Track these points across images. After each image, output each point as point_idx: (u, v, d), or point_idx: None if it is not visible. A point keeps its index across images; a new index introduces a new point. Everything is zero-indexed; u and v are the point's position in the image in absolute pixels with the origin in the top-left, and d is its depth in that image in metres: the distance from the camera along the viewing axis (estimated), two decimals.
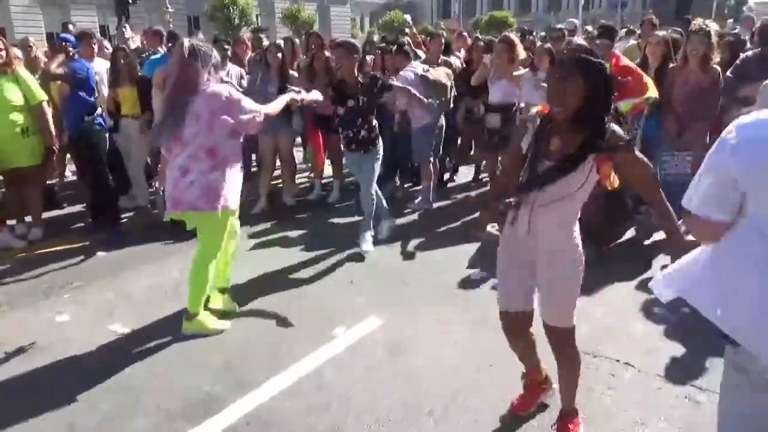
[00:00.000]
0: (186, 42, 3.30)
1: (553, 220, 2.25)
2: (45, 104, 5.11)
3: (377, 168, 4.79)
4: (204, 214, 3.32)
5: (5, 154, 4.93)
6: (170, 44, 6.40)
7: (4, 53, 4.82)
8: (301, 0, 42.94)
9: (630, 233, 5.12)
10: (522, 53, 5.95)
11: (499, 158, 6.16)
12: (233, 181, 3.39)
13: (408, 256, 4.87)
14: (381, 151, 4.79)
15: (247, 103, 3.37)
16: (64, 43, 5.22)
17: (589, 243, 4.37)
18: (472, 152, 7.35)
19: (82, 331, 3.64)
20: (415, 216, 5.87)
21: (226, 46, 6.27)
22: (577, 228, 2.32)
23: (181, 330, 3.51)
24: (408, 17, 10.13)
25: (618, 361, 3.16)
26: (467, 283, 4.26)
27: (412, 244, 5.07)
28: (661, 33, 5.43)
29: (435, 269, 4.52)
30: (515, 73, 5.76)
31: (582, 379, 2.55)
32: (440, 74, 5.77)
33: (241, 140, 3.51)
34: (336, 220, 5.80)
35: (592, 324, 3.51)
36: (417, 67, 5.73)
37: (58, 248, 5.08)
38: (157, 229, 5.25)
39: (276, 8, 41.20)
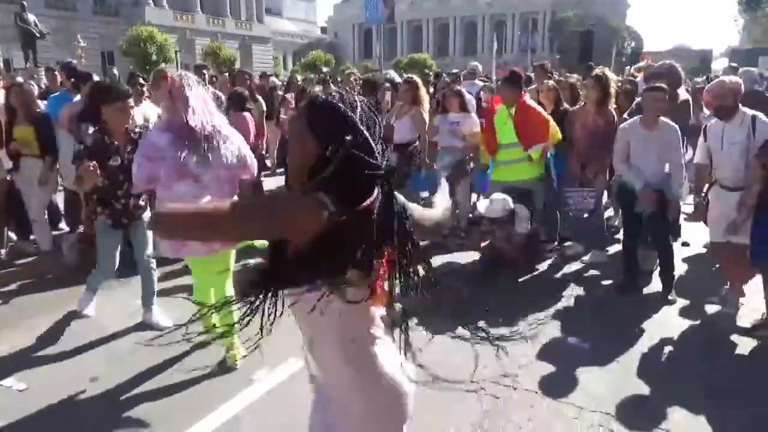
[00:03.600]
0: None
1: None
2: None
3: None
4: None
5: None
6: (73, 81, 6.11)
7: None
8: (222, 37, 42.81)
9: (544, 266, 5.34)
10: (425, 94, 6.24)
11: None
12: None
13: None
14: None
15: None
16: None
17: (506, 278, 4.64)
18: None
19: None
20: None
21: (143, 82, 6.07)
22: None
23: None
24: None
25: (537, 392, 3.23)
26: None
27: None
28: (550, 81, 5.98)
29: None
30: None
31: (506, 413, 2.58)
32: None
33: None
34: None
35: (514, 356, 3.59)
36: None
37: None
38: (58, 275, 5.02)
39: (196, 45, 40.74)
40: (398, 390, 1.60)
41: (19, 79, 6.41)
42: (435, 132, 6.02)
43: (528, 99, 5.24)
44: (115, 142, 3.74)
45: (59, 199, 6.29)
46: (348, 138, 1.30)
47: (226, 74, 8.09)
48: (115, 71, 6.92)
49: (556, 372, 3.47)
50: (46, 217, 5.59)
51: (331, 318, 1.41)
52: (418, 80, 6.33)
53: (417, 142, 6.10)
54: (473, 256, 5.41)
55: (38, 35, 17.47)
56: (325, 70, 8.07)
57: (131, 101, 3.83)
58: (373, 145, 1.36)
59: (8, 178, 5.38)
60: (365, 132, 1.35)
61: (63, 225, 6.20)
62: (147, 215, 4.01)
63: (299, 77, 8.23)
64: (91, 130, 3.88)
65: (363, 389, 1.54)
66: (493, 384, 3.25)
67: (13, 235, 5.91)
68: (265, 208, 1.34)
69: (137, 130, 3.87)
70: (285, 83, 8.53)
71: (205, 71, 7.43)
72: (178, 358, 3.59)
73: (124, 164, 3.67)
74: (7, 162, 5.30)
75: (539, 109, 5.19)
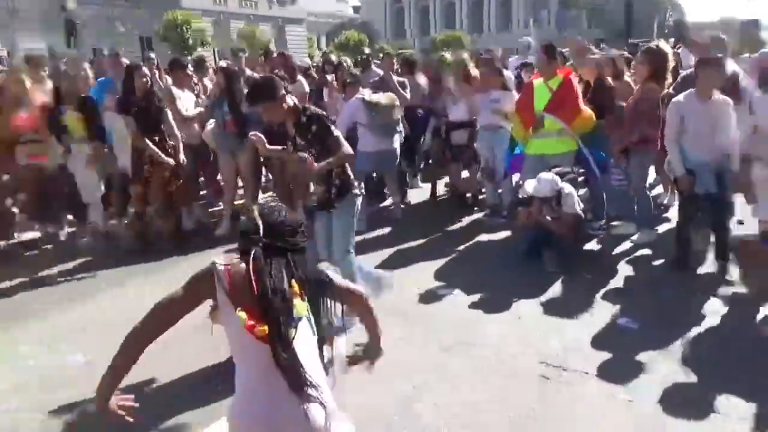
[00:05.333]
0: None
1: None
2: None
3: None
4: None
5: None
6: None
7: None
8: (255, 20, 42.93)
9: (593, 246, 5.25)
10: (476, 72, 6.15)
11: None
12: None
13: None
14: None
15: None
16: None
17: (552, 259, 4.59)
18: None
19: (38, 362, 3.49)
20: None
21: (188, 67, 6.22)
22: None
23: None
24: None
25: (587, 373, 3.20)
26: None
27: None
28: (593, 55, 5.80)
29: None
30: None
31: (551, 394, 2.56)
32: (387, 98, 5.82)
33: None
34: None
35: (561, 337, 3.58)
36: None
37: (12, 280, 4.87)
38: (113, 255, 5.25)
39: (231, 28, 40.98)
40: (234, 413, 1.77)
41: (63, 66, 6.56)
42: (476, 110, 5.96)
43: (573, 79, 5.13)
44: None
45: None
46: None
47: (261, 56, 8.09)
48: (153, 55, 7.00)
49: (606, 353, 3.43)
50: (100, 199, 5.76)
51: None
52: (468, 59, 6.30)
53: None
54: (514, 237, 5.38)
55: (79, 22, 17.87)
56: (367, 51, 7.98)
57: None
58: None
59: (62, 162, 5.54)
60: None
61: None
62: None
63: (333, 57, 8.21)
64: None
65: None
66: (544, 366, 3.26)
67: (70, 217, 6.12)
68: None
69: None
70: (320, 64, 8.50)
71: (242, 54, 7.48)
72: None
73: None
74: (59, 147, 5.46)
75: (577, 95, 5.07)
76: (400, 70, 7.16)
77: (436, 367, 3.32)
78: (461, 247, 5.40)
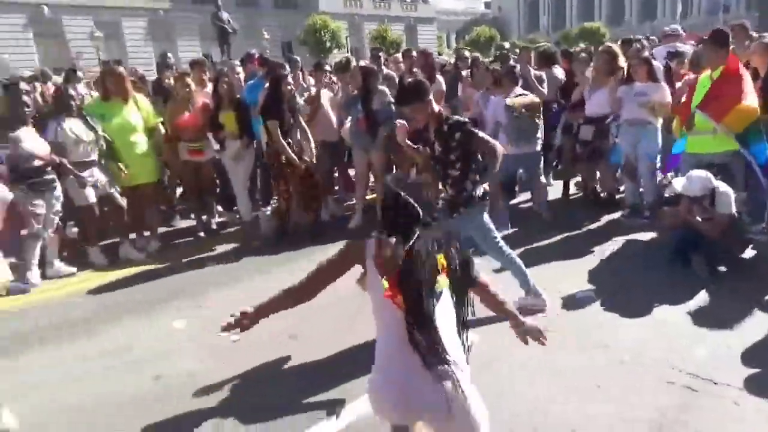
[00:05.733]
0: None
1: None
2: (160, 126, 5.57)
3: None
4: None
5: (128, 173, 5.42)
6: (264, 67, 6.75)
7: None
8: (388, 21, 43.92)
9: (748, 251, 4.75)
10: (623, 64, 5.77)
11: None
12: None
13: None
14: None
15: None
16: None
17: (701, 263, 4.21)
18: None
19: (196, 339, 3.87)
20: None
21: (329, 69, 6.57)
22: None
23: None
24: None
25: (740, 389, 2.92)
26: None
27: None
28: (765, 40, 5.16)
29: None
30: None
31: (700, 406, 2.37)
32: (524, 102, 5.65)
33: None
34: None
35: (710, 347, 3.29)
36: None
37: (170, 262, 5.46)
38: (257, 243, 5.70)
39: (364, 29, 42.35)
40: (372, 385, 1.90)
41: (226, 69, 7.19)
42: (619, 104, 5.60)
43: (741, 68, 4.62)
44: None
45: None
46: None
47: (398, 54, 8.26)
48: (297, 58, 7.45)
49: (761, 368, 3.09)
50: (246, 191, 6.28)
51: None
52: (617, 49, 5.94)
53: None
54: (659, 239, 5.01)
55: (231, 31, 19.45)
56: (507, 45, 7.87)
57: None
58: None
59: (216, 157, 6.13)
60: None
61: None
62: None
63: (467, 53, 8.19)
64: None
65: None
66: (691, 377, 3.03)
67: (219, 208, 6.75)
68: None
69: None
70: (453, 62, 8.51)
71: (381, 54, 7.71)
72: None
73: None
74: (215, 143, 6.04)
75: (744, 84, 4.52)
76: (537, 65, 6.98)
77: (574, 369, 3.21)
78: (598, 247, 5.14)
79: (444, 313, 1.81)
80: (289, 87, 5.48)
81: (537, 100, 5.76)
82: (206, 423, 2.92)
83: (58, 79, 6.45)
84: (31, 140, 4.78)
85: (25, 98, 4.91)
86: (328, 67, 6.87)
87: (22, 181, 4.78)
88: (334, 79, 6.81)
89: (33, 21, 30.98)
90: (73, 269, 5.27)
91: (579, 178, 6.77)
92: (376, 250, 1.87)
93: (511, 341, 2.34)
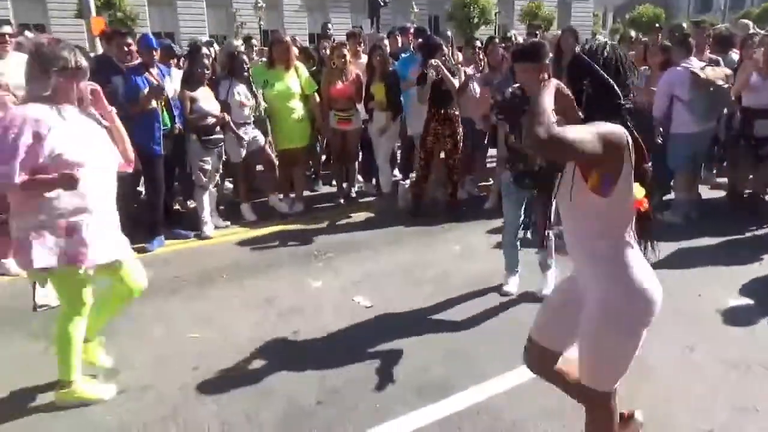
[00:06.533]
0: None
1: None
2: (316, 94, 5.86)
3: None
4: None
5: (282, 136, 5.78)
6: (419, 40, 6.78)
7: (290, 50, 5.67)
8: None
9: None
10: None
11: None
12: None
13: None
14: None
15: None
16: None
17: None
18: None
19: (332, 299, 4.09)
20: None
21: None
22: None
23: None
24: None
25: None
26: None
27: None
28: None
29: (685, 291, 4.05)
30: None
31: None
32: (717, 74, 5.11)
33: None
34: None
35: None
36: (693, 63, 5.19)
37: (315, 224, 5.77)
38: (392, 214, 5.85)
39: (516, 5, 40.86)
40: (647, 294, 1.85)
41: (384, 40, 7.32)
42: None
43: None
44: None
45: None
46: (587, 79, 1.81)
47: (558, 32, 7.88)
48: (449, 33, 7.37)
49: None
50: (388, 163, 6.43)
51: (590, 217, 1.86)
52: None
53: None
54: None
55: (382, 4, 19.77)
56: (685, 25, 7.19)
57: None
58: (613, 84, 1.80)
59: (362, 127, 6.33)
60: (603, 74, 1.80)
61: (396, 172, 7.07)
62: None
63: (632, 33, 7.58)
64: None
65: (613, 287, 1.86)
66: None
67: (360, 177, 6.98)
68: (593, 133, 1.68)
69: None
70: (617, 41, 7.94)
71: (537, 32, 7.44)
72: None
73: None
74: (363, 114, 6.23)
75: None
76: (711, 49, 6.28)
77: (714, 383, 2.94)
78: (766, 256, 4.61)
79: None
80: (443, 57, 5.47)
81: (727, 71, 5.25)
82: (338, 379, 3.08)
83: (237, 45, 6.90)
84: (206, 99, 5.25)
85: (205, 61, 5.38)
86: (478, 44, 6.72)
87: (197, 136, 5.23)
88: (481, 55, 6.67)
89: None
90: (227, 222, 5.76)
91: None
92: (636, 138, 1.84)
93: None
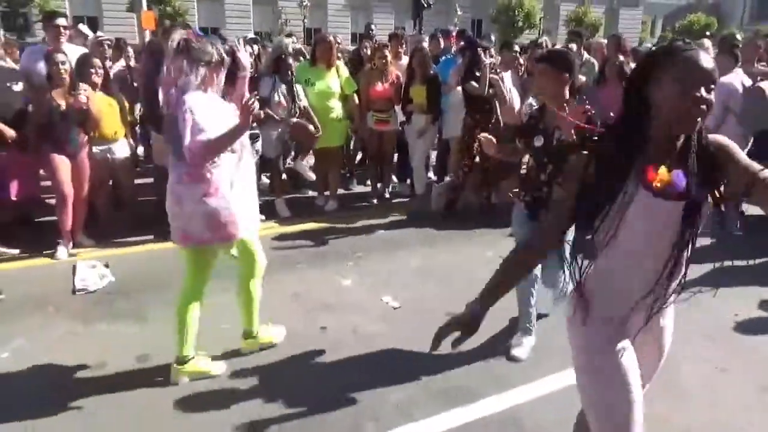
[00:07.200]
0: None
1: None
2: (355, 95, 5.91)
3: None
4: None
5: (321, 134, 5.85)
6: (462, 43, 6.75)
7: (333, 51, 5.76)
8: (588, 2, 41.23)
9: None
10: None
11: None
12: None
13: None
14: None
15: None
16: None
17: None
18: None
19: (360, 298, 4.12)
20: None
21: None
22: None
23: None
24: None
25: None
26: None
27: None
28: None
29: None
30: None
31: None
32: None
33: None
34: None
35: None
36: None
37: (347, 223, 5.81)
38: (425, 216, 5.84)
39: (561, 10, 40.30)
40: None
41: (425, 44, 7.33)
42: None
43: None
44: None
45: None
46: None
47: (603, 40, 7.75)
48: (492, 37, 7.33)
49: None
50: (424, 166, 6.43)
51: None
52: None
53: None
54: None
55: (426, 5, 19.77)
56: (738, 35, 6.92)
57: None
58: None
59: (399, 129, 6.35)
60: None
61: (430, 174, 7.07)
62: None
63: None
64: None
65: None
66: None
67: (395, 178, 7.00)
68: None
69: None
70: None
71: (576, 39, 7.31)
72: None
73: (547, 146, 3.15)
74: (401, 116, 6.25)
75: None
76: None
77: (747, 407, 2.86)
78: None
79: None
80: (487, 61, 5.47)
81: None
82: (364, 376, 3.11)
83: (288, 43, 6.97)
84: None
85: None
86: (517, 48, 6.65)
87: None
88: (521, 60, 6.60)
89: None
90: (262, 217, 5.84)
91: None
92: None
93: None
